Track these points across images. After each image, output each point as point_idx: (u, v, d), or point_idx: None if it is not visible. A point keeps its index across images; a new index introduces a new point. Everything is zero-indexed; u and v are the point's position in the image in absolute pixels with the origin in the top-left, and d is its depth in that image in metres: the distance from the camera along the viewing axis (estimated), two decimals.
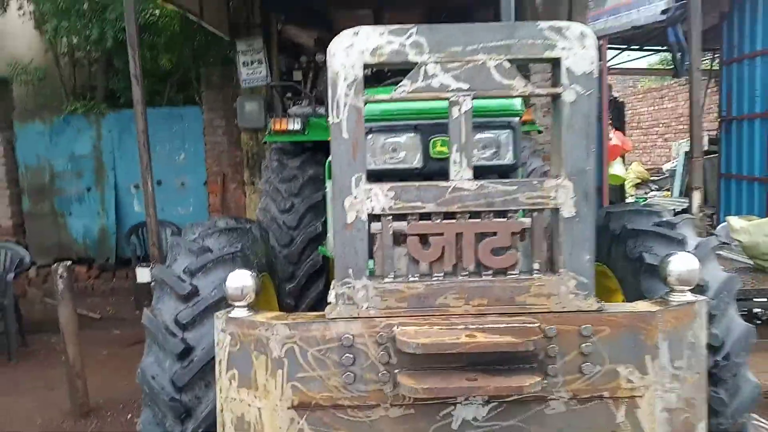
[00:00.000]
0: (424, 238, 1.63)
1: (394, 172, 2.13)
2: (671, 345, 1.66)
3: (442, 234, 1.62)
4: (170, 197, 6.78)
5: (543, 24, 1.56)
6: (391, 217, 1.63)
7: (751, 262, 5.11)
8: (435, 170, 2.10)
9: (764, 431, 3.38)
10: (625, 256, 2.33)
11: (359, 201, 1.60)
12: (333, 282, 1.66)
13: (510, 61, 1.56)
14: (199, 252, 2.23)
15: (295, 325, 1.63)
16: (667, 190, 12.16)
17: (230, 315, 1.72)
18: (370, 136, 2.11)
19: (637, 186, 14.12)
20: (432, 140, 2.15)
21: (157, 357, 2.05)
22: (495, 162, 2.13)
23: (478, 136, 2.08)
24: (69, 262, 3.70)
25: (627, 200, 11.15)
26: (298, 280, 3.86)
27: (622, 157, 8.93)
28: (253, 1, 6.42)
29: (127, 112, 7.11)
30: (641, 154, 16.09)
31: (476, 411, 1.63)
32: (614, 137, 6.02)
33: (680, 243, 2.24)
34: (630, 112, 15.99)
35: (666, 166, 12.80)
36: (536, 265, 1.65)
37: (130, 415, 3.72)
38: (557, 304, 1.63)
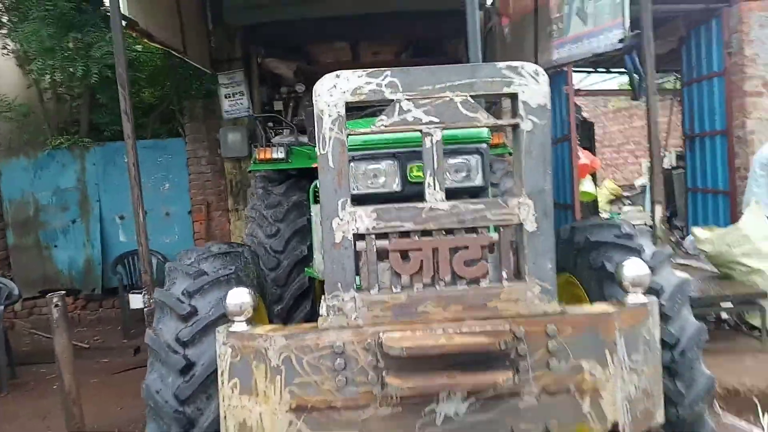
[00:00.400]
0: (404, 254, 1.84)
1: (376, 196, 2.33)
2: (628, 341, 1.87)
3: (420, 249, 1.82)
4: (156, 226, 6.88)
5: (501, 64, 1.80)
6: (374, 236, 1.83)
7: (717, 271, 5.40)
8: (413, 193, 2.30)
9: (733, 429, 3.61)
10: (589, 266, 2.55)
11: (345, 222, 1.80)
12: (324, 296, 1.85)
13: (473, 97, 1.79)
14: (195, 275, 2.40)
15: (291, 336, 1.81)
16: (641, 204, 12.58)
17: (230, 329, 1.89)
18: (353, 163, 2.31)
19: (611, 202, 14.53)
20: (409, 166, 2.37)
21: (160, 373, 2.20)
22: (466, 184, 2.35)
23: (451, 161, 2.30)
24: (63, 292, 3.82)
25: (601, 216, 11.52)
26: (286, 301, 4.03)
27: (593, 175, 9.29)
28: (233, 36, 6.68)
29: (111, 145, 7.26)
30: (614, 172, 16.57)
31: (457, 407, 1.81)
32: (583, 156, 6.33)
33: (638, 252, 2.47)
34: (601, 131, 16.50)
35: (637, 182, 13.24)
36: (504, 274, 1.86)
37: None
38: (525, 307, 1.83)
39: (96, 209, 7.26)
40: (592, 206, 10.90)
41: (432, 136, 1.80)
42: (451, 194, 1.92)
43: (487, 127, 1.90)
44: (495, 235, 1.88)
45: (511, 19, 6.30)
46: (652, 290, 2.32)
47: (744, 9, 6.81)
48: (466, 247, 1.83)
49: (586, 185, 6.99)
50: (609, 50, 4.31)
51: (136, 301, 4.66)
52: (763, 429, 3.67)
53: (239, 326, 1.89)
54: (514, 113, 1.82)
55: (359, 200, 2.18)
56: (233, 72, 6.62)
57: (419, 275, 1.84)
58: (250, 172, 5.05)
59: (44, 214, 7.24)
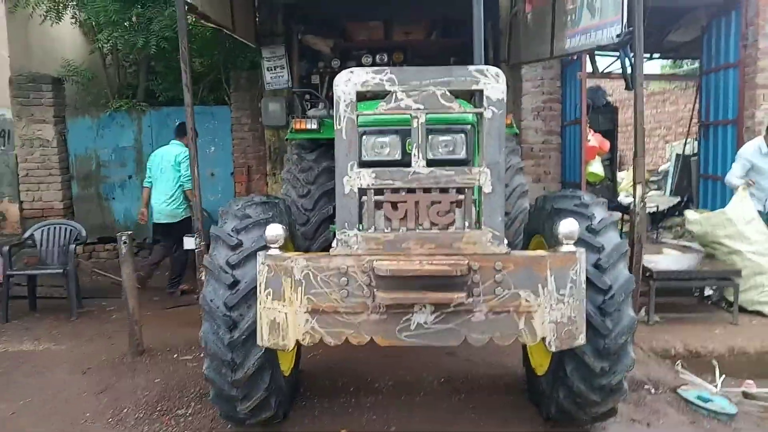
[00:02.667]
0: (394, 205, 2.51)
1: (382, 162, 2.99)
2: (557, 278, 2.51)
3: (405, 202, 2.50)
4: (202, 185, 7.68)
5: (471, 68, 2.43)
6: (373, 191, 2.51)
7: (703, 250, 5.91)
8: (409, 161, 2.96)
9: (691, 385, 4.18)
10: (551, 229, 3.18)
11: (352, 179, 2.48)
12: (336, 231, 2.54)
13: (450, 91, 2.43)
14: (242, 217, 3.14)
15: (310, 258, 2.52)
16: (665, 189, 12.89)
17: (268, 253, 2.60)
18: (365, 136, 2.97)
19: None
20: (407, 141, 3.02)
21: (214, 287, 2.95)
22: (452, 156, 2.98)
23: (440, 138, 2.94)
24: (130, 232, 4.62)
25: (619, 199, 11.91)
26: None
27: (610, 158, 9.74)
28: (276, 13, 7.31)
29: (165, 109, 8.06)
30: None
31: (426, 317, 2.50)
32: (592, 138, 6.81)
33: (589, 218, 3.09)
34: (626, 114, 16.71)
35: (661, 167, 13.50)
36: (467, 224, 2.52)
37: (176, 355, 4.65)
38: (480, 248, 2.50)
39: None
40: (608, 190, 11.33)
41: (418, 118, 2.46)
42: (440, 163, 2.57)
43: (462, 113, 2.53)
44: (462, 196, 2.53)
45: (534, 5, 6.76)
46: (594, 248, 2.96)
47: (762, 1, 7.08)
48: (440, 202, 2.50)
49: (595, 166, 7.48)
50: (609, 43, 4.81)
51: (189, 243, 5.42)
52: (716, 387, 4.23)
53: (274, 251, 2.60)
54: (479, 105, 2.45)
55: (369, 165, 2.84)
56: (275, 46, 7.24)
57: (405, 221, 2.51)
58: (286, 140, 5.74)
59: (104, 170, 8.15)
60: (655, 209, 10.03)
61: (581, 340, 2.58)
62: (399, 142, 3.04)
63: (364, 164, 2.62)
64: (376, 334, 2.52)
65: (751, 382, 4.42)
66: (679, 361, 4.57)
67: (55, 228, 6.27)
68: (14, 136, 7.82)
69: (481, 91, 2.43)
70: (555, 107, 7.51)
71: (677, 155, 11.67)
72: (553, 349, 2.54)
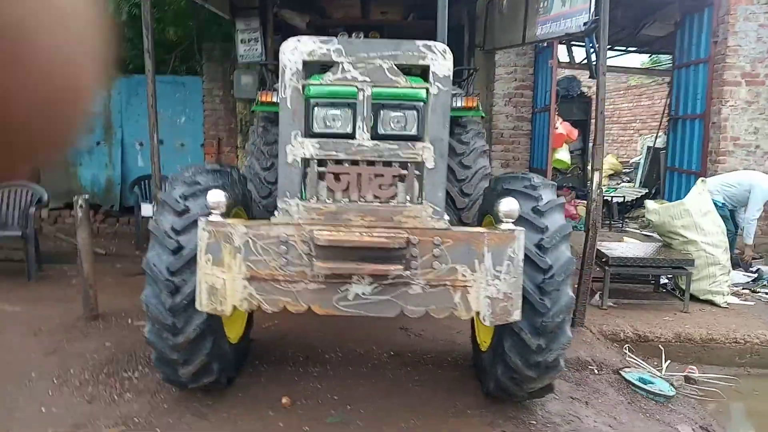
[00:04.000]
0: (337, 176, 2.53)
1: (332, 135, 3.00)
2: (494, 255, 2.56)
3: (348, 174, 2.52)
4: (170, 156, 7.63)
5: (419, 43, 2.44)
6: (316, 161, 2.53)
7: (661, 240, 6.05)
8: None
9: (635, 368, 4.31)
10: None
11: (296, 149, 2.49)
12: (276, 200, 2.55)
13: (396, 65, 2.44)
14: (191, 183, 3.13)
15: (250, 226, 2.53)
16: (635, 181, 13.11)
17: (209, 219, 2.61)
18: (317, 108, 2.97)
19: (610, 177, 15.07)
20: None
21: (157, 252, 2.95)
22: (404, 132, 3.00)
23: (392, 114, 2.95)
24: (86, 196, 4.58)
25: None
26: None
27: (584, 148, 9.85)
28: None
29: (135, 77, 7.92)
30: (618, 148, 16.99)
31: (364, 288, 2.54)
32: (561, 126, 6.88)
33: (536, 199, 3.15)
34: (611, 107, 16.86)
35: (633, 160, 13.71)
36: (408, 198, 2.55)
37: (130, 320, 4.64)
38: (420, 223, 2.53)
39: (118, 134, 8.02)
40: (582, 177, 11.48)
41: (364, 91, 2.47)
42: (392, 139, 2.58)
43: (411, 88, 2.55)
44: (404, 171, 2.56)
45: None
46: (538, 228, 3.01)
47: (733, 0, 7.20)
48: (382, 176, 2.52)
49: (561, 153, 7.56)
50: (576, 31, 4.86)
51: (146, 209, 5.35)
52: (661, 371, 4.36)
53: (215, 217, 2.61)
54: (425, 80, 2.47)
55: (320, 137, 2.84)
56: (250, 19, 7.18)
57: (347, 193, 2.54)
58: (252, 111, 5.71)
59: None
60: (621, 199, 10.21)
61: (516, 316, 2.64)
62: (351, 116, 3.06)
63: (313, 136, 2.62)
64: (313, 303, 2.55)
65: (693, 368, 4.60)
66: (627, 345, 4.70)
67: (15, 190, 6.17)
68: None
69: (427, 67, 2.44)
70: (527, 94, 7.56)
71: (648, 148, 11.86)
72: (487, 323, 2.60)
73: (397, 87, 2.50)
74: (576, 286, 4.86)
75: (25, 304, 5.09)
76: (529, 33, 6.08)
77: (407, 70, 2.63)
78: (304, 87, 2.47)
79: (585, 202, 10.60)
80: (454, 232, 2.54)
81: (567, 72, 11.23)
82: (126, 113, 7.93)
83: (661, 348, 4.74)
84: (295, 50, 2.43)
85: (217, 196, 2.61)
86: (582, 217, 10.28)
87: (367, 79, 2.45)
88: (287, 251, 2.51)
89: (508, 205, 2.60)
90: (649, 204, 6.09)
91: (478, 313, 2.58)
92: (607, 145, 16.84)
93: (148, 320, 2.98)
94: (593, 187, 4.65)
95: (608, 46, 10.88)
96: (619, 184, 14.17)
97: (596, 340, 4.65)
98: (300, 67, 2.44)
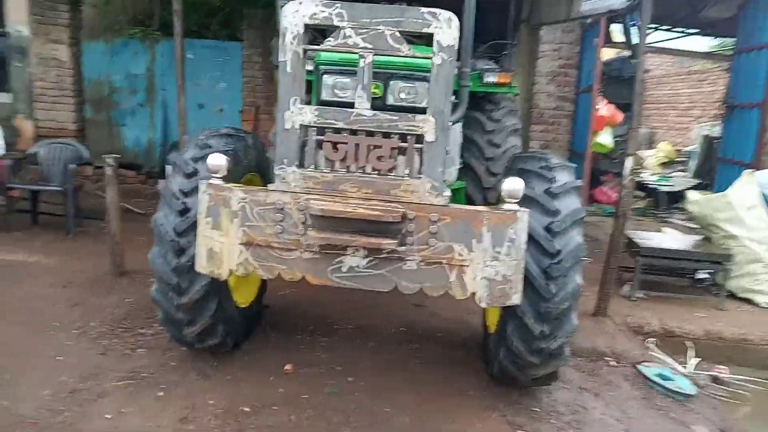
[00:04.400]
0: (335, 146, 2.48)
1: (341, 104, 2.94)
2: (493, 235, 2.46)
3: (346, 143, 2.46)
4: (209, 120, 7.74)
5: (424, 10, 2.34)
6: (315, 129, 2.48)
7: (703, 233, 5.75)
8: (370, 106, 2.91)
9: (657, 363, 4.14)
10: None
11: (294, 115, 2.45)
12: (274, 166, 2.53)
13: (400, 32, 2.35)
14: (203, 146, 3.14)
15: (248, 191, 2.52)
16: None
17: (209, 182, 2.61)
18: (325, 75, 2.92)
19: (663, 165, 14.45)
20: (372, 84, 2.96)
21: (165, 213, 2.99)
22: (413, 104, 2.92)
23: (402, 84, 2.88)
24: (118, 155, 4.70)
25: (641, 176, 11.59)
26: None
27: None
28: None
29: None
30: (675, 135, 16.21)
31: (358, 261, 2.50)
32: (604, 108, 6.57)
33: (550, 181, 3.02)
34: (670, 91, 16.08)
35: (688, 148, 13.07)
36: (407, 171, 2.48)
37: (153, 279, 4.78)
38: (417, 197, 2.46)
39: (161, 97, 8.18)
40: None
41: (365, 58, 2.39)
42: (401, 109, 2.51)
43: (414, 57, 2.45)
44: (405, 144, 2.48)
45: None
46: (549, 211, 2.90)
47: None
48: (381, 147, 2.46)
49: (603, 137, 7.24)
50: (619, 8, 4.59)
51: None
52: (686, 368, 4.17)
53: (216, 181, 2.61)
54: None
55: (328, 105, 2.79)
56: None
57: (344, 163, 2.49)
58: None
59: (116, 95, 8.24)
60: (670, 189, 9.77)
61: (515, 299, 2.55)
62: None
63: (323, 104, 2.57)
64: (307, 272, 2.53)
65: (723, 367, 4.36)
66: (652, 339, 4.51)
67: (58, 147, 6.40)
68: (31, 54, 7.92)
69: (431, 35, 2.34)
70: (571, 73, 7.26)
71: (704, 137, 11.25)
72: (484, 305, 2.52)
73: (399, 55, 2.41)
74: (602, 274, 4.69)
75: (60, 256, 5.30)
76: (574, 8, 5.79)
77: (418, 38, 2.53)
78: (305, 51, 2.42)
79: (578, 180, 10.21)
80: (452, 209, 2.46)
81: (613, 52, 10.70)
82: (168, 76, 8.04)
83: (689, 344, 4.52)
84: (297, 13, 2.37)
85: (217, 160, 2.60)
86: None
87: (369, 45, 2.37)
88: (283, 219, 2.49)
89: (511, 184, 2.49)
90: (691, 194, 5.79)
91: (474, 294, 2.51)
92: (663, 131, 16.14)
93: (155, 280, 3.04)
94: (625, 173, 4.44)
95: (666, 27, 10.34)
96: (672, 172, 13.58)
97: (618, 332, 4.49)
98: (301, 30, 2.38)
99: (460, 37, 3.93)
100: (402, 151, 2.49)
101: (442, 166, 2.43)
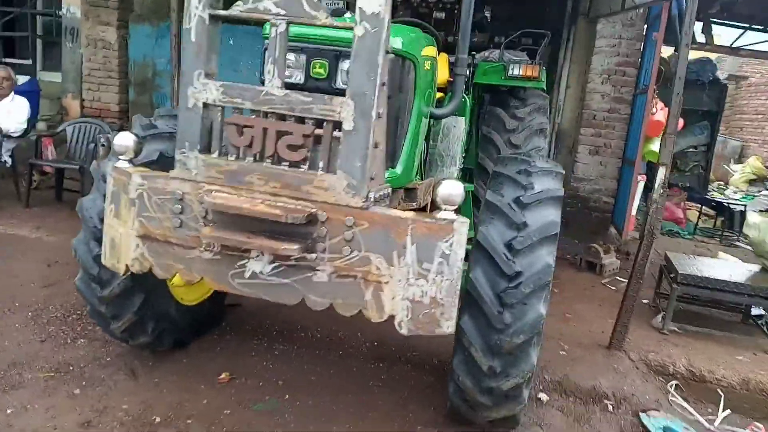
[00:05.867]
0: (240, 129, 2.11)
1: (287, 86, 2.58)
2: (420, 249, 2.01)
3: (252, 127, 2.09)
4: None
5: None
6: (220, 108, 2.13)
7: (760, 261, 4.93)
8: (312, 87, 2.53)
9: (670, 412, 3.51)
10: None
11: (198, 91, 2.11)
12: (175, 149, 2.20)
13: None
14: (147, 127, 2.88)
15: (146, 177, 2.21)
16: None
17: (115, 165, 2.33)
18: (267, 52, 2.56)
19: (750, 182, 13.10)
20: (312, 62, 2.58)
21: (93, 196, 2.76)
22: (339, 85, 2.52)
23: (344, 65, 2.49)
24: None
25: (709, 192, 10.49)
26: None
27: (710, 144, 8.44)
28: None
29: (223, 27, 7.94)
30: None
31: (263, 267, 2.12)
32: (660, 112, 5.80)
33: (524, 188, 2.53)
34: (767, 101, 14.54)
35: None
36: (321, 164, 2.07)
37: None
38: (331, 197, 2.05)
39: None
40: (702, 178, 9.97)
41: (278, 27, 2.01)
42: (341, 93, 2.11)
43: (330, 27, 2.04)
44: (320, 131, 2.07)
45: None
46: (514, 223, 2.41)
47: None
48: (291, 133, 2.06)
49: (657, 144, 6.42)
50: None
51: None
52: (713, 421, 3.52)
53: (121, 163, 2.32)
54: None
55: None
56: None
57: (249, 149, 2.11)
58: None
59: (159, 78, 8.27)
60: (743, 209, 8.71)
61: (446, 328, 2.08)
62: (303, 64, 2.62)
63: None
64: (207, 274, 2.18)
65: (760, 425, 3.63)
66: (674, 382, 3.85)
67: (85, 126, 6.45)
68: (81, 35, 8.10)
69: (354, 1, 1.92)
70: (629, 72, 6.50)
71: None
72: (405, 332, 2.08)
73: (316, 25, 2.01)
74: (621, 301, 4.06)
75: (63, 234, 5.26)
76: None
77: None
78: (212, 17, 2.07)
79: (698, 206, 9.22)
80: (372, 213, 2.03)
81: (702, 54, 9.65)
82: None
83: (720, 393, 3.81)
84: None
85: (124, 140, 2.31)
86: (690, 223, 8.91)
87: (282, 11, 1.99)
88: (182, 211, 2.16)
89: (447, 188, 2.03)
90: (751, 216, 4.97)
91: (393, 317, 2.07)
92: (757, 146, 14.59)
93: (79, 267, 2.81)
94: (656, 186, 3.80)
95: (760, 27, 9.20)
96: (760, 191, 12.26)
97: (632, 370, 3.86)
98: None
99: (457, 21, 3.42)
100: (317, 139, 2.09)
101: (363, 160, 2.00)
